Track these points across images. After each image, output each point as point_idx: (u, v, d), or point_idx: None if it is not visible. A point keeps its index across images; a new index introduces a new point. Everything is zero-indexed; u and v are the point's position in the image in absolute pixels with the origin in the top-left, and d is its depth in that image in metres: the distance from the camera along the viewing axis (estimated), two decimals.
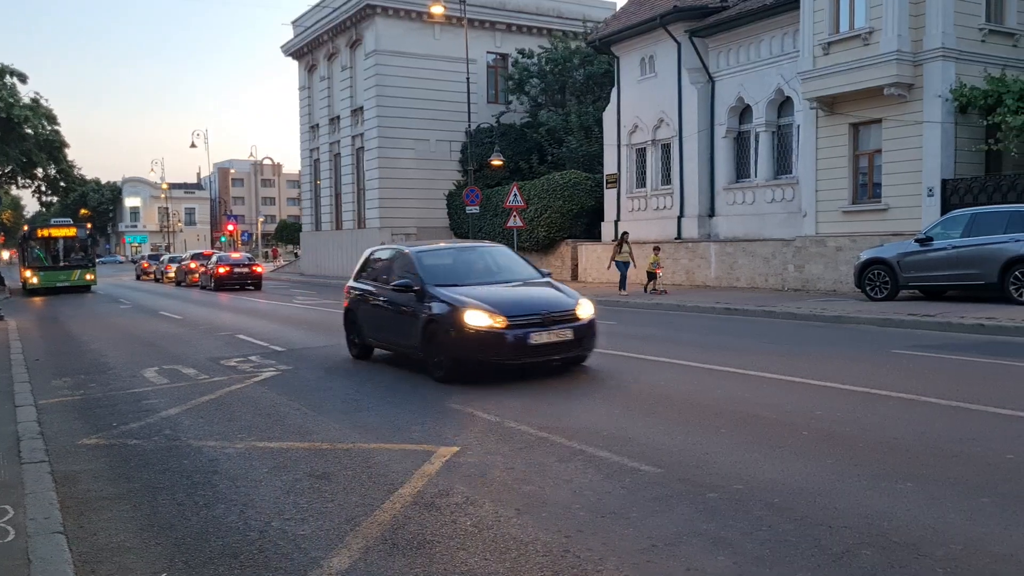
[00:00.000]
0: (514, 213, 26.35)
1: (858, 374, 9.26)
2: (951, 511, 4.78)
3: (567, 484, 5.56)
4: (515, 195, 26.37)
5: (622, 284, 22.69)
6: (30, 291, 34.12)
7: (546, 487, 5.52)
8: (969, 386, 8.44)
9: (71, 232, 35.58)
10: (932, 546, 4.29)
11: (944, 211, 17.54)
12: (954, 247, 15.71)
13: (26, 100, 39.53)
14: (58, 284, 34.08)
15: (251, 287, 34.31)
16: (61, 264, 34.77)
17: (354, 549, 4.56)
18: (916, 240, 16.44)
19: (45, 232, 35.29)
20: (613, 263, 22.90)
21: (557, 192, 30.09)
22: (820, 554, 4.24)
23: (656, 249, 22.84)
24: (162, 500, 5.61)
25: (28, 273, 34.52)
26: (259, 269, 35.99)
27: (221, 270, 34.19)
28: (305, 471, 6.15)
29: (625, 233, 23.64)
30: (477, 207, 28.66)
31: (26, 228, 38.21)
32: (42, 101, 40.78)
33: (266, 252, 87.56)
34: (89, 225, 39.31)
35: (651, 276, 22.24)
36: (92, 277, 35.26)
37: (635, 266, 23.06)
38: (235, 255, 37.70)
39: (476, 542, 4.59)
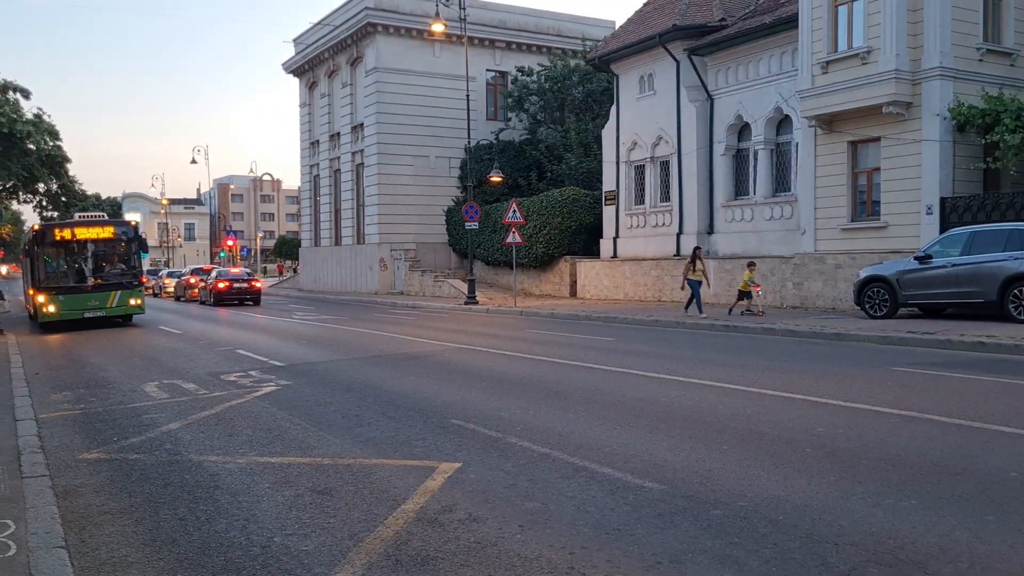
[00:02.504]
0: (513, 229, 26.41)
1: (859, 391, 9.25)
2: (957, 529, 4.77)
3: (570, 500, 5.54)
4: (514, 211, 26.43)
5: (691, 304, 19.98)
6: (45, 324, 22.36)
7: (549, 503, 5.50)
8: (971, 404, 8.44)
9: (107, 232, 23.19)
10: (939, 564, 4.28)
11: (943, 229, 17.59)
12: (953, 265, 15.76)
13: (29, 116, 39.63)
14: (88, 314, 22.33)
15: (250, 302, 34.29)
16: (91, 282, 22.67)
17: (357, 565, 4.54)
18: (915, 258, 16.50)
19: (66, 233, 22.72)
20: (686, 282, 20.25)
21: (556, 209, 30.16)
22: (826, 572, 4.23)
23: (751, 265, 20.17)
24: (164, 515, 5.59)
25: (41, 298, 22.11)
26: (258, 284, 35.98)
27: (220, 285, 34.17)
28: (307, 486, 6.13)
29: (698, 248, 20.94)
30: (476, 223, 28.72)
31: (37, 228, 23.90)
32: (45, 117, 40.88)
33: (264, 268, 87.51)
34: (134, 222, 25.16)
35: (744, 295, 19.80)
36: (139, 302, 23.31)
37: (708, 285, 20.81)
38: (234, 270, 37.70)
39: (479, 559, 4.57)
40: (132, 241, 23.62)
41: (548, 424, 8.00)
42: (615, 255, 28.66)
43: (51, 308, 22.07)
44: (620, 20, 35.67)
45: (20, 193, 43.87)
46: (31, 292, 24.06)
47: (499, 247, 32.29)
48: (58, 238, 22.72)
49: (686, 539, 4.76)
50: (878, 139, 19.53)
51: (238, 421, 8.77)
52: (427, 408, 9.07)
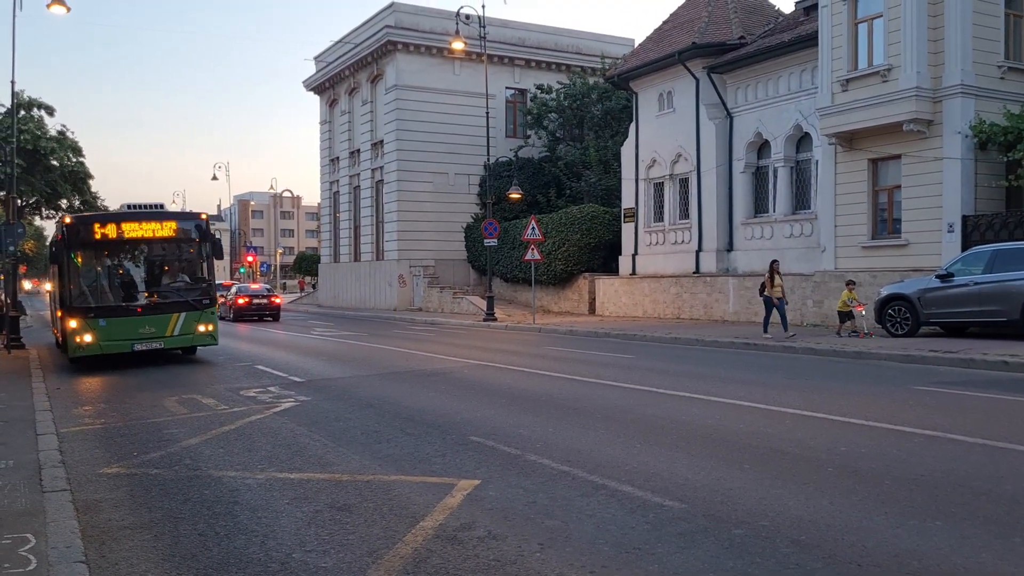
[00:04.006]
0: (532, 246, 26.42)
1: (881, 410, 9.16)
2: (982, 551, 4.69)
3: (590, 519, 5.51)
4: (533, 228, 26.45)
5: (768, 323, 18.50)
6: (79, 360, 16.11)
7: (569, 521, 5.47)
8: (995, 423, 8.33)
9: (167, 229, 16.57)
10: None
11: (964, 247, 17.44)
12: (976, 283, 15.60)
13: (53, 132, 40.14)
14: (139, 346, 16.01)
15: (269, 318, 34.47)
16: (144, 300, 16.34)
17: None
18: (937, 276, 16.35)
19: (110, 229, 16.05)
20: (764, 300, 18.70)
21: (575, 225, 30.16)
22: None
23: (850, 284, 18.10)
24: (183, 530, 5.60)
25: (74, 322, 15.66)
26: (278, 300, 36.18)
27: (240, 301, 34.39)
28: (326, 502, 6.13)
29: (775, 262, 19.00)
30: (495, 240, 28.76)
31: (69, 222, 16.55)
32: (68, 133, 41.38)
33: (284, 283, 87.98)
34: (204, 215, 17.62)
35: (845, 316, 17.92)
36: (210, 328, 16.82)
37: (787, 302, 19.10)
38: (254, 286, 37.93)
39: None
40: (202, 241, 16.77)
41: (567, 441, 7.97)
42: (634, 272, 28.60)
43: (87, 337, 15.41)
44: (639, 38, 35.81)
45: (43, 209, 44.41)
46: (59, 314, 17.32)
47: (518, 264, 32.31)
48: (98, 236, 15.85)
49: (707, 559, 4.71)
50: (899, 157, 19.41)
51: (257, 437, 8.79)
52: (446, 425, 9.06)
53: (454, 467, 7.09)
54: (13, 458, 7.64)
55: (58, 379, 14.70)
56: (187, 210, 19.94)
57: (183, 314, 16.34)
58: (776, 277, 18.45)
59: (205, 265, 17.08)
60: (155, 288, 16.56)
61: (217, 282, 19.23)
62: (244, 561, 4.94)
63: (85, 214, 17.20)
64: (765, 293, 18.48)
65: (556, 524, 5.42)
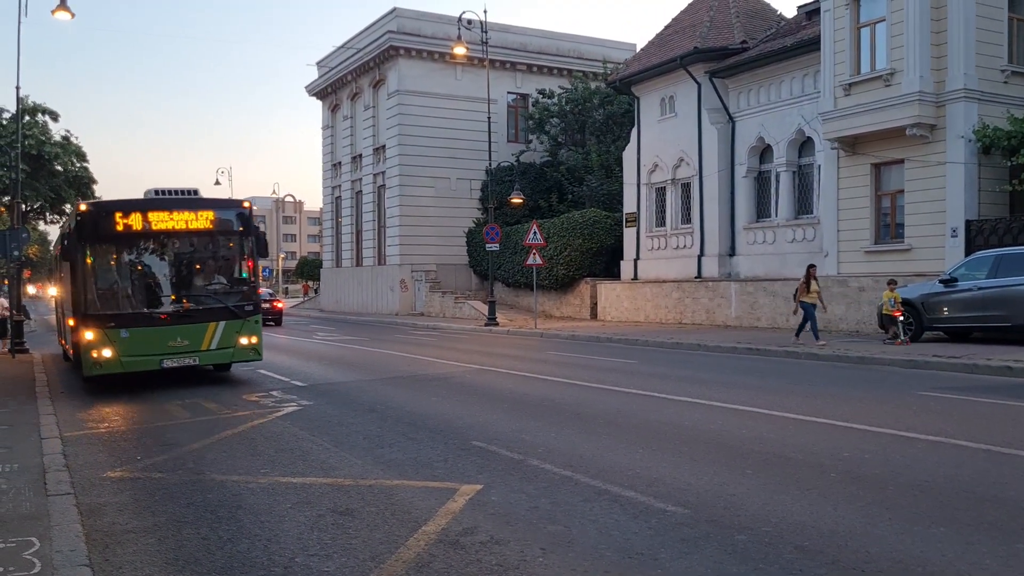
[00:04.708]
0: (534, 251, 26.41)
1: (884, 416, 9.14)
2: (987, 557, 4.68)
3: (593, 524, 5.50)
4: (535, 233, 26.45)
5: (802, 330, 17.72)
6: (95, 379, 13.48)
7: (572, 527, 5.46)
8: (999, 429, 8.31)
9: (203, 220, 13.77)
10: None
11: (968, 252, 17.42)
12: (979, 288, 15.58)
13: (57, 138, 40.30)
14: (169, 362, 13.34)
15: (272, 322, 34.47)
16: (173, 306, 13.51)
17: None
18: (940, 281, 16.33)
19: (134, 219, 13.25)
20: (798, 305, 17.65)
21: (577, 230, 30.17)
22: None
23: (892, 283, 17.06)
24: (187, 534, 5.60)
25: (90, 334, 12.90)
26: (280, 305, 36.20)
27: None
28: (329, 507, 6.13)
29: (812, 266, 18.19)
30: (497, 244, 28.76)
31: (84, 210, 13.35)
32: (72, 138, 41.56)
33: (287, 288, 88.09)
34: (247, 203, 14.63)
35: (888, 320, 16.82)
36: (254, 340, 14.05)
37: (824, 309, 18.09)
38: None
39: None
40: (244, 235, 14.01)
41: (570, 446, 7.96)
42: (636, 277, 28.60)
43: (106, 352, 12.74)
44: (641, 43, 35.77)
45: (47, 214, 44.51)
46: (71, 322, 14.33)
47: (519, 269, 32.32)
48: (120, 228, 13.04)
49: (711, 564, 4.70)
50: (902, 161, 19.41)
51: (260, 441, 8.80)
52: (448, 429, 9.06)
53: (456, 472, 7.09)
54: (18, 462, 7.65)
55: (62, 383, 14.71)
56: (226, 199, 16.44)
57: (222, 323, 13.51)
58: (813, 282, 17.63)
59: (248, 263, 14.15)
60: (188, 292, 13.66)
61: None
62: (247, 565, 4.95)
63: (104, 200, 13.87)
64: (800, 298, 17.58)
65: (559, 529, 5.42)
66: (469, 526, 5.52)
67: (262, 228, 15.43)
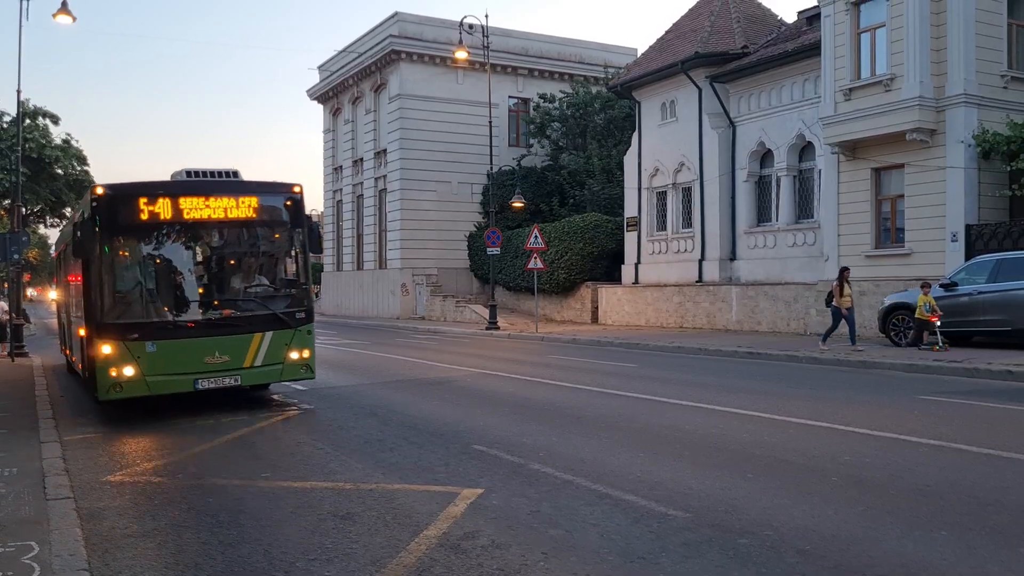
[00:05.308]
0: (535, 255, 26.41)
1: (885, 420, 9.13)
2: (989, 561, 4.67)
3: (594, 528, 5.49)
4: (536, 237, 26.44)
5: (829, 334, 17.07)
6: (114, 403, 10.79)
7: (573, 531, 5.45)
8: (1000, 433, 8.30)
9: (246, 207, 11.19)
10: None
11: (968, 256, 17.41)
12: (980, 293, 15.58)
13: (57, 141, 40.34)
14: (204, 382, 10.69)
15: None
16: (209, 313, 10.98)
17: None
18: (941, 285, 16.31)
19: (162, 206, 10.72)
20: (831, 310, 17.05)
21: (578, 234, 30.17)
22: None
23: (926, 286, 16.10)
24: (187, 538, 5.59)
25: (108, 347, 10.25)
26: None
27: None
28: (329, 511, 6.12)
29: (846, 269, 17.39)
30: (498, 248, 28.76)
31: (101, 193, 10.53)
32: (73, 142, 41.60)
33: None
34: (297, 187, 11.70)
35: (923, 325, 15.94)
36: (307, 355, 11.61)
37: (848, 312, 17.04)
38: None
39: None
40: (294, 227, 11.61)
41: (571, 450, 7.95)
42: (637, 281, 28.58)
43: (127, 370, 10.28)
44: (642, 48, 35.75)
45: (47, 217, 44.56)
46: (82, 332, 11.67)
47: (520, 273, 32.30)
48: (145, 217, 10.64)
49: (713, 568, 4.69)
50: (902, 166, 19.41)
51: (261, 445, 8.79)
52: (449, 433, 9.05)
53: (457, 476, 7.07)
54: (17, 466, 7.63)
55: (61, 388, 14.70)
56: (271, 182, 11.92)
57: (269, 334, 11.06)
58: (846, 286, 16.84)
59: (299, 261, 11.74)
60: (228, 295, 11.28)
61: None
62: (248, 570, 4.94)
63: (126, 182, 11.08)
64: (833, 303, 16.88)
65: (560, 533, 5.41)
66: (470, 530, 5.51)
67: (314, 213, 12.91)
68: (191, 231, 11.00)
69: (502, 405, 11.07)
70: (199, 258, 11.22)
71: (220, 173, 11.43)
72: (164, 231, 10.90)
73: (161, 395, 10.68)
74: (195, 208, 10.79)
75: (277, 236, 11.65)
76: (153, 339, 10.47)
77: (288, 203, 11.60)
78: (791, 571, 4.61)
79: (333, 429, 9.63)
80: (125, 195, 10.74)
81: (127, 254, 10.94)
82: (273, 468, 7.65)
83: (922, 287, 16.14)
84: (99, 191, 10.66)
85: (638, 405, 10.78)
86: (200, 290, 11.07)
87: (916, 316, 15.96)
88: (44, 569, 4.80)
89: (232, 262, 11.60)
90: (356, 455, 8.10)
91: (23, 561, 4.92)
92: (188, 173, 11.33)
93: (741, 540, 5.14)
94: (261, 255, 11.85)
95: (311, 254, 11.81)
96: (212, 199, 10.88)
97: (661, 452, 7.81)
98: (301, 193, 11.70)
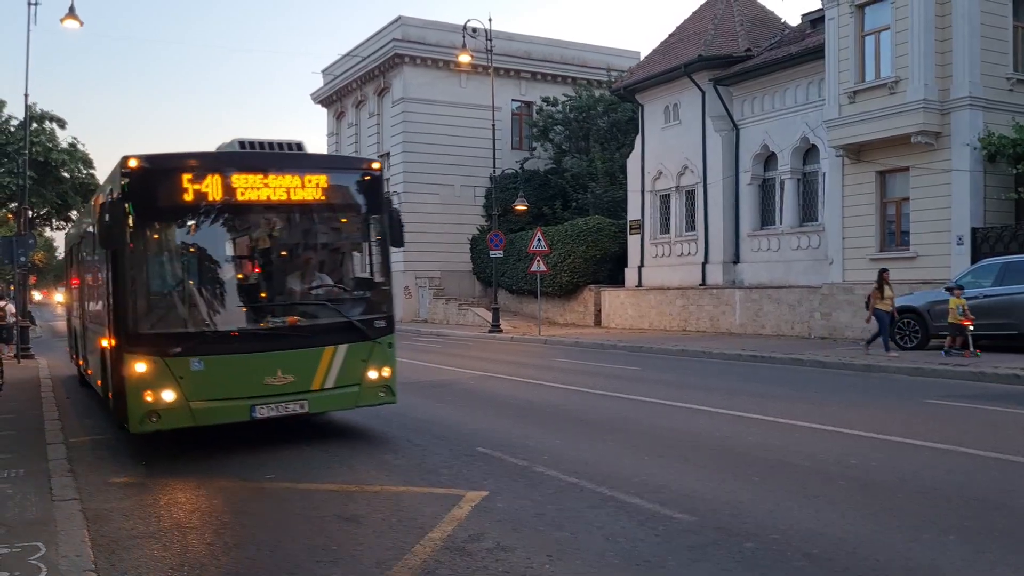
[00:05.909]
0: (538, 258, 26.41)
1: (891, 423, 9.11)
2: (998, 565, 4.65)
3: (599, 531, 5.48)
4: (539, 240, 26.44)
5: (876, 339, 16.25)
6: (147, 437, 8.65)
7: (578, 533, 5.44)
8: (1008, 437, 8.28)
9: (314, 188, 8.69)
10: None
11: (974, 260, 17.37)
12: (985, 296, 15.53)
13: (64, 145, 40.40)
14: (263, 410, 8.29)
15: None
16: (269, 321, 8.56)
17: None
18: (946, 289, 16.25)
19: (210, 185, 8.20)
20: (872, 313, 16.28)
21: (581, 237, 30.16)
22: None
23: (958, 289, 15.17)
24: (192, 540, 5.59)
25: (144, 365, 7.87)
26: None
27: None
28: (334, 512, 6.11)
29: (885, 271, 16.52)
30: (501, 251, 28.75)
31: (135, 166, 7.98)
32: (79, 145, 41.65)
33: None
34: (377, 164, 9.31)
35: (957, 330, 14.94)
36: (387, 372, 8.96)
37: (895, 316, 16.41)
38: None
39: None
40: (372, 213, 9.34)
41: (575, 453, 7.94)
42: (640, 284, 28.56)
43: (167, 395, 7.99)
44: (645, 51, 35.79)
45: (53, 220, 44.62)
46: (107, 344, 9.32)
47: (523, 276, 32.27)
48: (189, 197, 8.27)
49: (719, 572, 4.68)
50: (907, 169, 19.38)
51: (265, 447, 8.77)
52: (453, 436, 9.04)
53: (462, 478, 7.07)
54: (24, 467, 7.64)
55: (67, 389, 14.71)
56: (345, 156, 9.96)
57: (343, 347, 8.74)
58: (887, 287, 16.08)
59: (378, 255, 9.39)
60: (292, 299, 8.98)
61: None
62: (253, 571, 4.94)
63: (165, 153, 8.68)
64: (876, 306, 16.12)
65: (565, 536, 5.40)
66: (475, 533, 5.50)
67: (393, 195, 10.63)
68: (247, 216, 8.76)
69: (506, 408, 11.06)
70: (256, 251, 8.98)
71: (281, 145, 9.03)
72: (213, 216, 8.51)
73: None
74: (252, 187, 8.47)
75: (352, 224, 9.47)
76: (200, 354, 8.12)
77: (366, 181, 9.26)
78: (798, 575, 4.59)
79: (336, 430, 9.62)
80: (165, 169, 8.37)
81: (166, 245, 8.64)
82: (277, 470, 7.64)
83: (953, 290, 15.18)
84: (132, 163, 8.16)
85: (642, 408, 10.77)
86: (257, 291, 8.90)
87: (949, 321, 15.06)
88: (51, 570, 4.80)
89: (296, 256, 9.16)
90: (360, 457, 8.10)
91: (30, 562, 4.92)
92: (241, 144, 8.94)
93: (747, 543, 5.13)
94: (332, 248, 9.52)
95: (391, 248, 9.44)
96: (272, 176, 8.55)
97: (666, 455, 7.80)
98: (381, 171, 9.46)
